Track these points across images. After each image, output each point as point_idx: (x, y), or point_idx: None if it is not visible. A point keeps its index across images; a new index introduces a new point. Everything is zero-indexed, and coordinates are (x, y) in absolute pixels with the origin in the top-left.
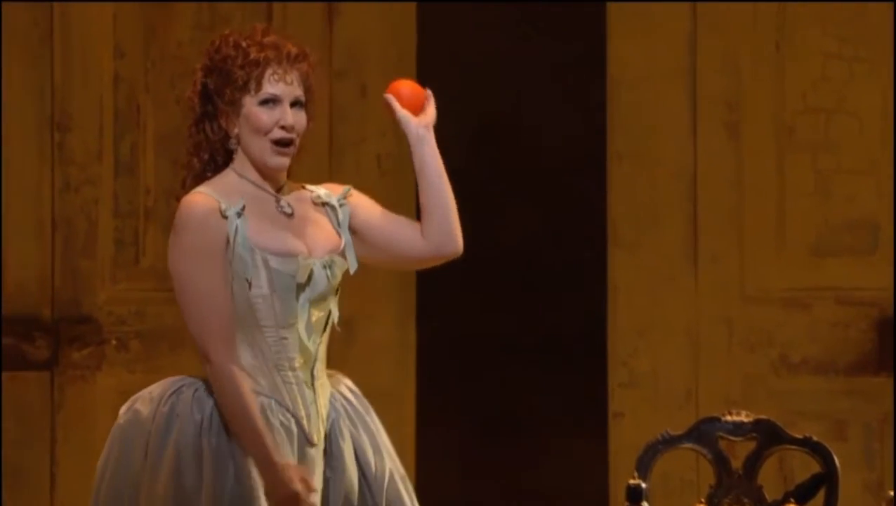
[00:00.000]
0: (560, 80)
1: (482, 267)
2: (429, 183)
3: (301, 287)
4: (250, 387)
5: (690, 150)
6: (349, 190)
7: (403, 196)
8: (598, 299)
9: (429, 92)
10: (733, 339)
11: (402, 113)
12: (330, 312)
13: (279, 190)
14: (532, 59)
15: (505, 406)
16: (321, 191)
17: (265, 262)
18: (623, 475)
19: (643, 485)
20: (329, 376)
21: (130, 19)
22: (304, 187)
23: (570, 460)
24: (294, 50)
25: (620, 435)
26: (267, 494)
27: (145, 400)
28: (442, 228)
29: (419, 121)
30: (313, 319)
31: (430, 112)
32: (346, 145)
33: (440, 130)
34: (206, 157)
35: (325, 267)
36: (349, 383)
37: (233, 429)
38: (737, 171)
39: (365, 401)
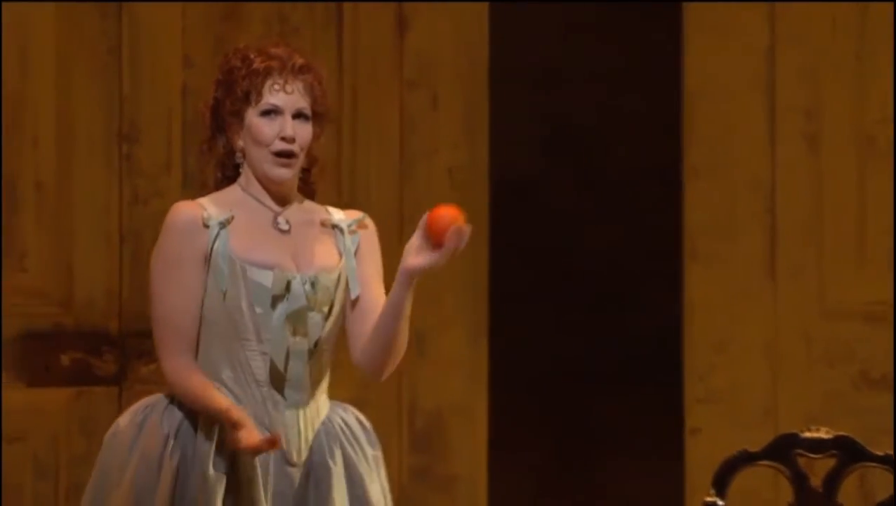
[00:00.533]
0: (636, 92)
1: (556, 281)
2: (394, 322)
3: (277, 300)
4: (201, 379)
5: (768, 161)
6: (363, 218)
7: (475, 210)
8: (674, 314)
9: (463, 227)
10: (813, 354)
11: (432, 258)
12: (319, 334)
13: (283, 206)
14: (608, 70)
15: (580, 423)
16: (337, 214)
17: (243, 272)
18: (700, 493)
19: (720, 503)
20: (334, 404)
21: (199, 30)
22: (326, 210)
23: (646, 477)
24: (300, 61)
25: (697, 452)
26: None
27: (127, 413)
28: (377, 361)
29: (424, 262)
30: (294, 335)
31: (451, 247)
32: (417, 157)
33: (513, 140)
34: (219, 174)
35: (305, 283)
36: (360, 415)
37: (201, 413)
38: (816, 182)
39: (374, 437)
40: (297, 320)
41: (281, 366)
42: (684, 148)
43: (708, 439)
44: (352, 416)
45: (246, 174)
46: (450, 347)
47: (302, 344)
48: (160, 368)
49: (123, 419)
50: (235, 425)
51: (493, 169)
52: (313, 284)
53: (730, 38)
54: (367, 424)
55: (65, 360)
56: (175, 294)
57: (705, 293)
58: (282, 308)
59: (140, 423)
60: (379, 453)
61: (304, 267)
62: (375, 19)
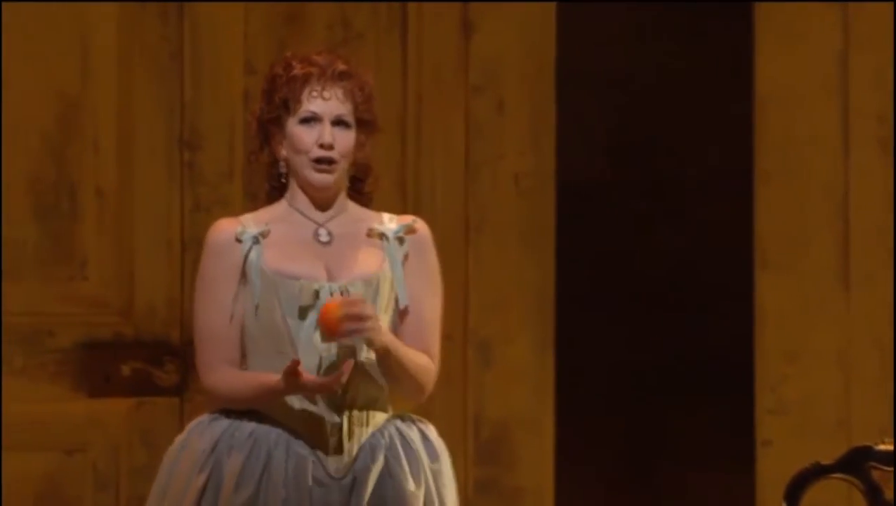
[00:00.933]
0: (706, 95)
1: (624, 290)
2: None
3: (306, 310)
4: (241, 373)
5: (841, 167)
6: (413, 223)
7: (541, 216)
8: (745, 324)
9: (347, 312)
10: (886, 363)
11: (365, 358)
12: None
13: (330, 217)
14: (677, 72)
15: (648, 435)
16: (388, 221)
17: (274, 285)
18: None
19: None
20: (395, 416)
21: (261, 35)
22: (379, 218)
23: (716, 489)
24: (341, 67)
25: (769, 464)
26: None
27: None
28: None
29: (374, 337)
30: (333, 347)
31: (358, 327)
32: (483, 163)
33: (580, 144)
34: (267, 186)
35: (334, 292)
36: (427, 428)
37: (259, 402)
38: (890, 188)
39: (437, 449)
40: None
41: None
42: (755, 153)
43: (779, 452)
44: (414, 428)
45: (291, 186)
46: (516, 357)
47: (333, 354)
48: (203, 386)
49: (177, 437)
50: (291, 374)
51: (560, 174)
52: (343, 293)
53: (802, 40)
54: (432, 436)
55: (125, 370)
56: (211, 311)
57: (777, 301)
58: (311, 318)
59: (183, 440)
60: (440, 467)
61: (339, 277)
62: (440, 22)
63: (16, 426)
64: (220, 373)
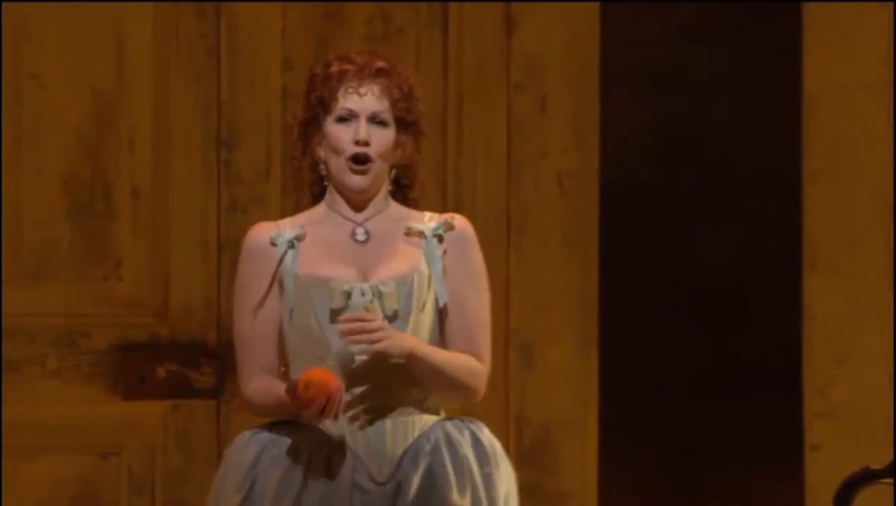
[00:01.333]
0: (753, 94)
1: (668, 291)
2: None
3: (337, 313)
4: (274, 382)
5: (891, 167)
6: (451, 220)
7: (585, 216)
8: (793, 326)
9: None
10: None
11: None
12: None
13: (367, 217)
14: (723, 71)
15: (694, 438)
16: (428, 219)
17: (307, 288)
18: None
19: None
20: (445, 419)
21: (300, 31)
22: (421, 217)
23: (763, 495)
24: (378, 64)
25: (818, 469)
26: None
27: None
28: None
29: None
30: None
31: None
32: (525, 162)
33: (624, 144)
34: (310, 193)
35: (366, 293)
36: (479, 430)
37: (284, 416)
38: None
39: (488, 453)
40: None
41: (359, 385)
42: (804, 153)
43: (828, 456)
44: (465, 431)
45: (331, 191)
46: (558, 359)
47: (377, 360)
48: (241, 396)
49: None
50: (290, 394)
51: (604, 174)
52: (374, 293)
53: (850, 39)
54: (484, 439)
55: (161, 372)
56: (247, 317)
57: (825, 303)
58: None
59: (228, 457)
60: (491, 470)
61: (372, 277)
62: (482, 19)
63: (50, 429)
64: (255, 382)
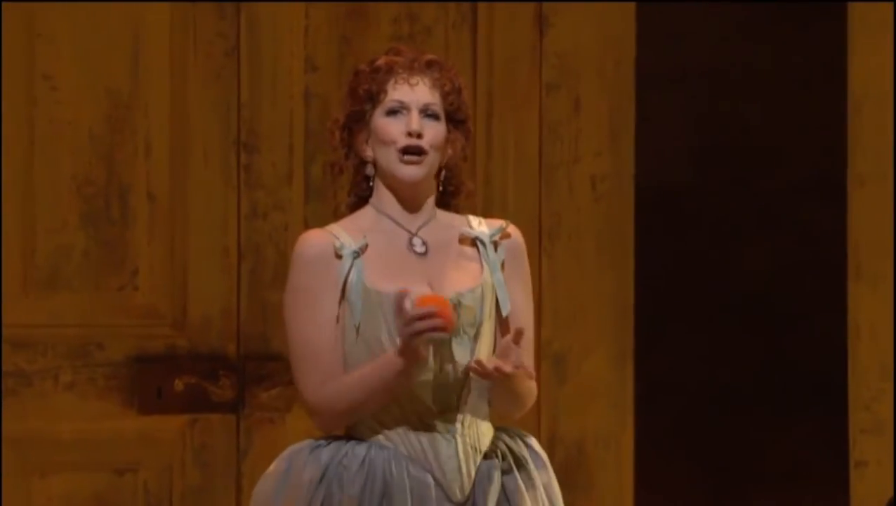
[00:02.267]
0: (796, 95)
1: (708, 301)
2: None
3: None
4: (345, 377)
5: None
6: (506, 227)
7: (620, 222)
8: (837, 337)
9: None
10: None
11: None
12: (468, 359)
13: (420, 223)
14: (764, 72)
15: (734, 455)
16: (477, 225)
17: (379, 303)
18: None
19: None
20: (500, 431)
21: (323, 30)
22: (467, 221)
23: None
24: (427, 57)
25: (863, 487)
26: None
27: (274, 461)
28: (498, 408)
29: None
30: (439, 364)
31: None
32: (558, 165)
33: (661, 147)
34: (352, 198)
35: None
36: (530, 439)
37: (374, 404)
38: None
39: (543, 459)
40: (440, 348)
41: (429, 399)
42: (849, 156)
43: (875, 473)
44: (519, 441)
45: (377, 190)
46: (592, 372)
47: (448, 373)
48: (307, 408)
49: (270, 468)
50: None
51: (640, 178)
52: (455, 307)
53: None
54: (537, 447)
55: (178, 385)
56: (311, 330)
57: (871, 313)
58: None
59: (285, 470)
60: (549, 477)
61: (443, 290)
62: (513, 17)
63: (63, 444)
64: (332, 388)
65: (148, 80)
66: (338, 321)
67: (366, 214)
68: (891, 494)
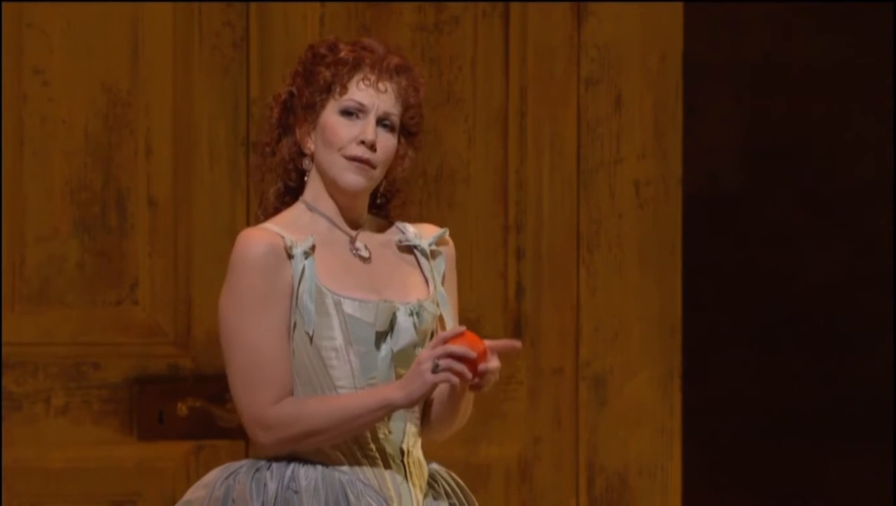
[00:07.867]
0: (855, 95)
1: (761, 318)
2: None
3: (381, 337)
4: (314, 399)
5: None
6: (445, 233)
7: (665, 230)
8: None
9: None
10: None
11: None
12: None
13: (357, 228)
14: (822, 69)
15: (787, 484)
16: (410, 231)
17: (338, 307)
18: None
19: None
20: (427, 459)
21: (341, 20)
22: (397, 228)
23: None
24: (395, 59)
25: None
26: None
27: (198, 487)
28: (434, 426)
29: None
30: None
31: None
32: (598, 168)
33: (711, 148)
34: (280, 185)
35: (411, 314)
36: (450, 471)
37: (335, 435)
38: None
39: (471, 498)
40: (404, 359)
41: (387, 419)
42: None
43: None
44: (443, 469)
45: (312, 186)
46: (635, 396)
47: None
48: (251, 427)
49: (195, 493)
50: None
51: (688, 182)
52: (419, 315)
53: None
54: (460, 481)
55: (182, 409)
56: (260, 338)
57: None
58: (387, 346)
59: (221, 497)
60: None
61: (398, 298)
62: (549, 5)
63: (55, 474)
64: (291, 408)
65: (149, 75)
66: (295, 328)
67: (299, 212)
68: None
